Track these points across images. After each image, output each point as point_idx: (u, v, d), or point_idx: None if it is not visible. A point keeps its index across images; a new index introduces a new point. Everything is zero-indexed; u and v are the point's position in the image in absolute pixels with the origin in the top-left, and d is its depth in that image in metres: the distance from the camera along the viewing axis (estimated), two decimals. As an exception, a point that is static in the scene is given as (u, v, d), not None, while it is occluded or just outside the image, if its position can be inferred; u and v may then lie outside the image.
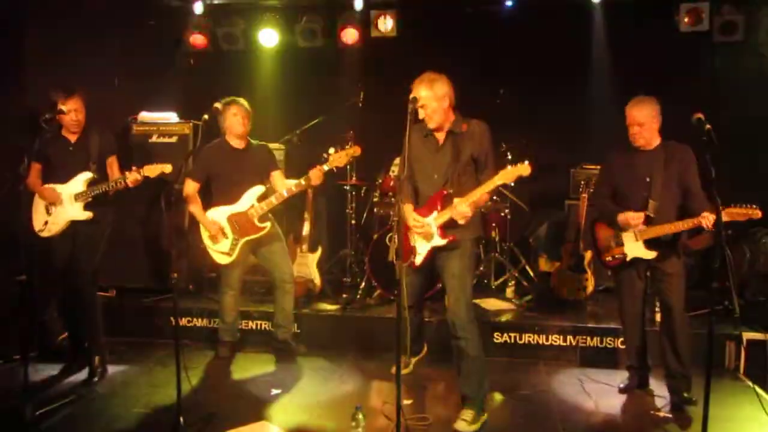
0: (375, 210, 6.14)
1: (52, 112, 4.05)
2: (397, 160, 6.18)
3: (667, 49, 6.03)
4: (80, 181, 4.43)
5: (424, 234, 3.86)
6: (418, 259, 3.95)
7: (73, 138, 4.50)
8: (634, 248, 4.05)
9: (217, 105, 4.62)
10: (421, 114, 3.78)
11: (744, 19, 5.78)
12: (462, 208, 3.67)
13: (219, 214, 4.73)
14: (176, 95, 6.45)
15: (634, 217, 3.96)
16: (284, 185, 4.73)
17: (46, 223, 4.45)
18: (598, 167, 5.99)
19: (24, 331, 3.88)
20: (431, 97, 3.73)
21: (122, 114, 5.94)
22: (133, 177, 4.31)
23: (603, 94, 6.37)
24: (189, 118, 5.87)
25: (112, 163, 4.60)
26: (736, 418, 3.94)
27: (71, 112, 4.36)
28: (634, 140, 4.02)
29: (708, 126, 3.17)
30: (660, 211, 3.96)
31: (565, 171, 6.23)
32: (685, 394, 4.01)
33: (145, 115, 6.02)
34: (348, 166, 5.79)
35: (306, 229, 5.82)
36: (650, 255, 4.01)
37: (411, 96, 3.70)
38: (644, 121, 3.92)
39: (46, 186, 4.46)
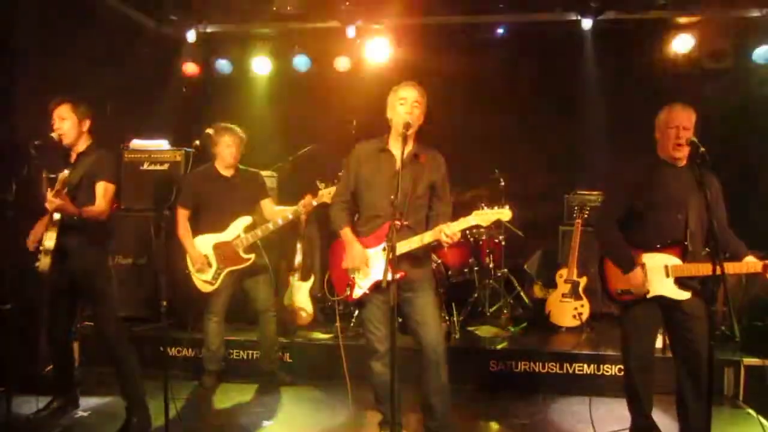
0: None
1: (42, 138, 3.99)
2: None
3: (657, 76, 6.08)
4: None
5: (363, 266, 3.53)
6: (357, 293, 3.59)
7: None
8: (661, 285, 3.37)
9: (209, 131, 4.60)
10: (406, 117, 3.43)
11: (733, 46, 5.86)
12: (449, 231, 3.30)
13: (205, 242, 4.68)
14: (168, 123, 6.45)
15: (642, 286, 3.37)
16: (273, 214, 4.69)
17: None
18: (594, 193, 6.04)
19: (6, 361, 3.78)
20: (422, 101, 3.51)
21: (114, 142, 5.90)
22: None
23: (596, 119, 6.42)
24: (181, 145, 5.85)
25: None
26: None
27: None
28: (678, 150, 3.34)
29: (702, 149, 3.15)
30: (696, 242, 3.36)
31: (559, 197, 6.21)
32: None
33: (136, 143, 5.99)
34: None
35: (298, 258, 5.75)
36: (683, 296, 3.36)
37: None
38: (691, 127, 3.35)
39: None
